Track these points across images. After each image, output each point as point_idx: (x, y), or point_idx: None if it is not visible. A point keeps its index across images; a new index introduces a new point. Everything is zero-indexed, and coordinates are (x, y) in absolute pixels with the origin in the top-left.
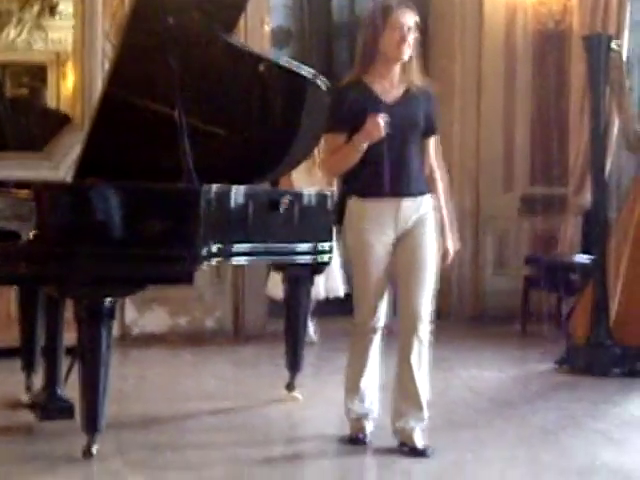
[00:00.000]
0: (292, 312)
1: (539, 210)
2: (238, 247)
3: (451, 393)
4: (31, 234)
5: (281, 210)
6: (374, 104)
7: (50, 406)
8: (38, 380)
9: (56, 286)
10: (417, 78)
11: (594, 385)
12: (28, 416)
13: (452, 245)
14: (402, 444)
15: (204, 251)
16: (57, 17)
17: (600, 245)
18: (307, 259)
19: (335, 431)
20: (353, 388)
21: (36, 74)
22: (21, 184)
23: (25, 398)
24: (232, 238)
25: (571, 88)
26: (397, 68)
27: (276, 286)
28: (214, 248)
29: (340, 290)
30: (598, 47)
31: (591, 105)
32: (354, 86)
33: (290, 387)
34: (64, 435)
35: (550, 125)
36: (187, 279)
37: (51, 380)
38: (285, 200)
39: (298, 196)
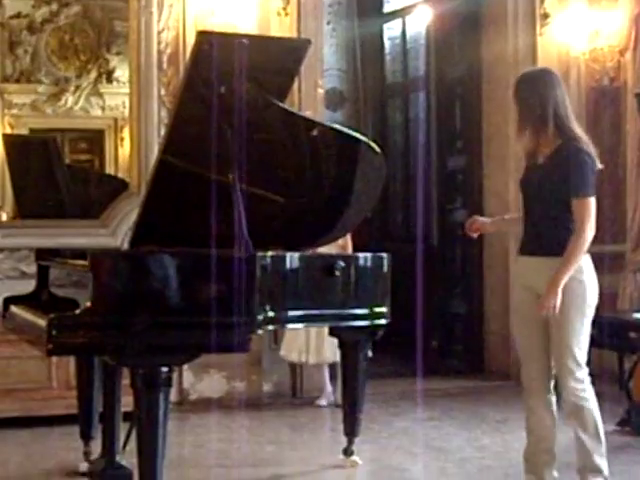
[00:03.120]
0: (349, 377)
1: (597, 268)
2: (293, 313)
3: (510, 456)
4: (88, 303)
5: (336, 274)
6: (530, 166)
7: (108, 474)
8: (97, 447)
9: (112, 355)
10: (557, 138)
11: None
12: None
13: (546, 300)
14: None
15: (260, 318)
16: (114, 83)
17: None
18: (363, 323)
19: None
20: (527, 449)
21: (94, 140)
22: (77, 254)
23: (83, 466)
24: (287, 304)
25: (627, 144)
26: (537, 132)
27: (290, 348)
28: (270, 314)
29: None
30: None
31: None
32: (530, 148)
33: (348, 452)
34: None
35: (606, 182)
36: (243, 347)
37: (109, 448)
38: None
39: (353, 259)
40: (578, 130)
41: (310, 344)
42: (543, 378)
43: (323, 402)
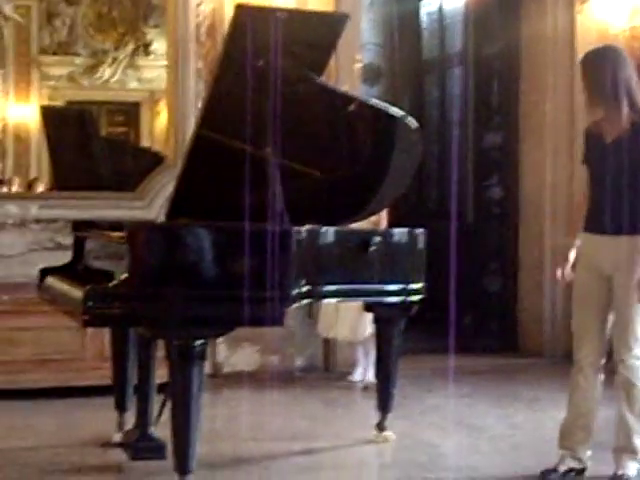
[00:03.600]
0: (383, 352)
1: None
2: (328, 288)
3: (543, 433)
4: (124, 274)
5: (371, 250)
6: (595, 143)
7: (142, 446)
8: (130, 418)
9: (148, 327)
10: (629, 115)
11: None
12: (120, 455)
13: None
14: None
15: (294, 292)
16: (151, 56)
17: None
18: (397, 299)
19: (427, 473)
20: (565, 424)
21: (130, 112)
22: (114, 225)
23: (117, 437)
24: (322, 279)
25: None
26: (608, 109)
27: (326, 325)
28: (304, 289)
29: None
30: None
31: None
32: (592, 126)
33: (381, 427)
34: (155, 475)
35: None
36: (278, 321)
37: (143, 419)
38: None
39: (388, 235)
40: None
41: (344, 320)
42: (595, 356)
43: (356, 377)
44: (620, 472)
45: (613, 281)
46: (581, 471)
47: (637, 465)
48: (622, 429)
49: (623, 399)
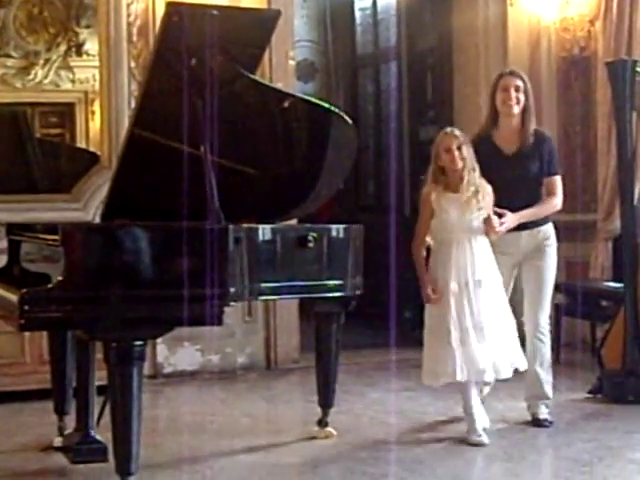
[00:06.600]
0: (323, 348)
1: (568, 237)
2: (267, 285)
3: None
4: (60, 277)
5: (309, 246)
6: (495, 155)
7: (83, 449)
8: (71, 422)
9: (85, 329)
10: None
11: (628, 414)
12: (61, 459)
13: (501, 221)
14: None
15: (233, 290)
16: (84, 56)
17: (630, 271)
18: (337, 294)
19: (371, 468)
20: None
21: (64, 114)
22: (49, 228)
23: (58, 441)
24: (261, 276)
25: (597, 114)
26: (514, 122)
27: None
28: (243, 287)
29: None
30: (623, 73)
31: (618, 131)
32: (481, 139)
33: (322, 423)
34: (97, 478)
35: (577, 151)
36: (217, 320)
37: (84, 422)
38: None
39: (326, 231)
40: None
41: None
42: None
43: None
44: (542, 417)
45: (522, 266)
46: None
47: (546, 408)
48: (535, 382)
49: (532, 356)
